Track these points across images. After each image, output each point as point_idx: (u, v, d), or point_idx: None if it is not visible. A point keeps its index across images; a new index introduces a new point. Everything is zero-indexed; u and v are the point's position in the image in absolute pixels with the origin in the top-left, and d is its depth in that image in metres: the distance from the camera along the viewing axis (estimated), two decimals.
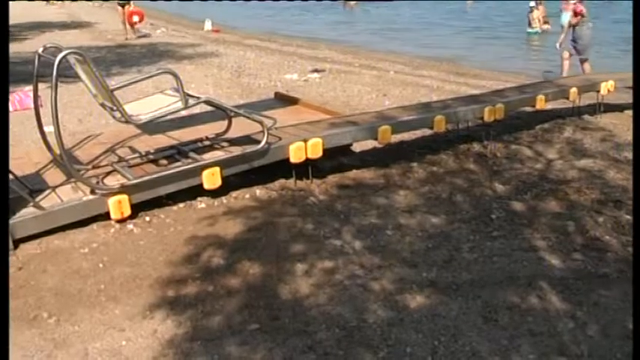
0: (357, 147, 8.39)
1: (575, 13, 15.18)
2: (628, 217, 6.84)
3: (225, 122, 7.23)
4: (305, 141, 6.97)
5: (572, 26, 15.45)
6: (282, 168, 7.11)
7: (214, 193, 6.61)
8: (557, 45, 16.13)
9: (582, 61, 15.42)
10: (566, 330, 4.58)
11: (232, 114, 7.14)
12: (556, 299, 4.98)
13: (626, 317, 4.78)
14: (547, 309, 4.83)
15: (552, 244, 6.09)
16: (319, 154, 7.05)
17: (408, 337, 4.39)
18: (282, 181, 7.19)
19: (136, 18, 23.18)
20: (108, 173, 6.47)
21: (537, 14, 26.11)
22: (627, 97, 12.83)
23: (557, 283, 5.25)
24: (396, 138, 8.66)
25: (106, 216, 5.99)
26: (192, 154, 6.73)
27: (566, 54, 15.60)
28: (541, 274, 5.42)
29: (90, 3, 45.96)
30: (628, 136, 10.27)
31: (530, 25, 26.17)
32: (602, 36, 24.04)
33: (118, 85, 6.05)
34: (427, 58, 19.49)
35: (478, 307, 4.80)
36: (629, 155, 9.11)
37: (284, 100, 9.68)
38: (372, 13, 37.84)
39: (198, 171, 6.38)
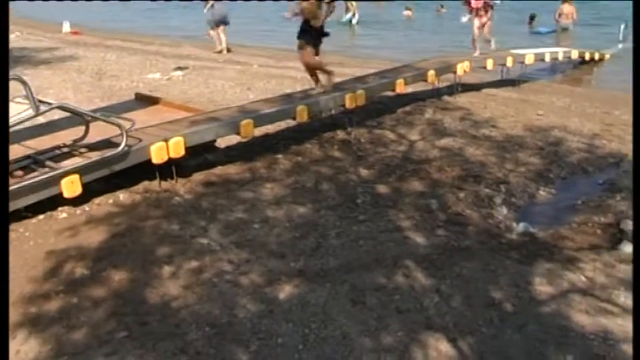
0: (222, 143, 8.34)
1: None
2: (487, 190, 7.16)
3: (84, 127, 7.00)
4: (166, 141, 6.85)
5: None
6: (146, 170, 6.95)
7: (75, 202, 6.39)
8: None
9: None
10: (432, 304, 4.74)
11: (89, 118, 6.93)
12: (421, 276, 5.14)
13: (487, 286, 5.01)
14: (413, 286, 4.98)
15: (416, 222, 6.29)
16: (181, 152, 6.96)
17: (278, 327, 4.42)
18: (146, 183, 7.04)
19: None
20: None
21: (355, 5, 26.70)
22: (482, 77, 13.42)
23: (421, 260, 5.42)
24: (260, 131, 8.67)
25: None
26: (49, 163, 6.48)
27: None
28: (406, 252, 5.59)
29: None
30: (485, 113, 10.74)
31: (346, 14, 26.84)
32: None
33: None
34: (290, 50, 19.51)
35: (346, 292, 4.88)
36: (487, 132, 9.53)
37: (145, 100, 9.47)
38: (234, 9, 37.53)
39: (56, 180, 6.14)
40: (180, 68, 15.36)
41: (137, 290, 4.93)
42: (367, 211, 6.50)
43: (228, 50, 19.03)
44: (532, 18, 23.28)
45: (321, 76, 9.63)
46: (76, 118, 7.08)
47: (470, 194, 7.05)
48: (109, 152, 6.57)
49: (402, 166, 7.88)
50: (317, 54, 9.23)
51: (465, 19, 14.05)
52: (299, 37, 9.17)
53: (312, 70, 9.50)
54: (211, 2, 18.43)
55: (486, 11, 13.49)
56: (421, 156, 8.33)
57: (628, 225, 6.14)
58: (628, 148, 8.87)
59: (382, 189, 7.14)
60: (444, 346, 4.22)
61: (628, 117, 10.58)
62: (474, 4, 13.47)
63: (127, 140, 6.59)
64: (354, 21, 26.44)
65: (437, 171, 7.75)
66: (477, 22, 13.52)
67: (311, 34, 9.00)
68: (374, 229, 6.07)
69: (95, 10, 35.53)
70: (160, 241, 5.75)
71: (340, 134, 9.21)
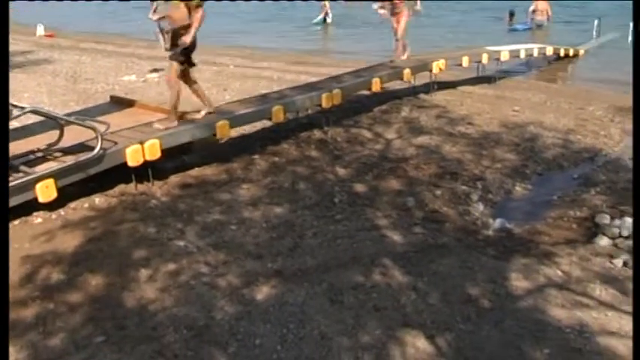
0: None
1: None
2: (464, 187, 7.20)
3: (58, 131, 6.95)
4: (142, 143, 6.81)
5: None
6: (122, 173, 6.91)
7: (51, 206, 6.34)
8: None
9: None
10: (409, 302, 4.75)
11: (63, 122, 6.87)
12: (398, 273, 5.16)
13: (464, 282, 5.04)
14: (390, 284, 5.00)
15: (394, 220, 6.31)
16: (157, 155, 6.92)
17: (256, 329, 4.41)
18: (122, 186, 7.00)
19: None
20: None
21: (327, 5, 26.67)
22: (458, 74, 13.46)
23: (399, 258, 5.44)
24: (237, 131, 8.66)
25: None
26: (23, 168, 6.41)
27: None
28: (383, 251, 5.60)
29: None
30: (461, 110, 10.79)
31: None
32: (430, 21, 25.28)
33: None
34: (267, 49, 19.56)
35: (324, 291, 4.89)
36: (463, 129, 9.57)
37: (120, 103, 9.38)
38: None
39: (31, 185, 6.08)
40: (156, 70, 15.26)
41: (114, 294, 4.90)
42: (344, 210, 6.51)
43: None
44: (512, 15, 23.44)
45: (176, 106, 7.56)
46: (51, 122, 7.03)
47: (446, 191, 7.09)
48: (84, 156, 6.52)
49: (379, 165, 7.90)
50: (183, 74, 7.51)
51: (375, 6, 12.45)
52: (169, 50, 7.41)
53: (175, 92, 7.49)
54: (155, 4, 18.04)
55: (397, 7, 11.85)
56: (398, 154, 8.36)
57: (603, 219, 6.20)
58: (602, 143, 8.98)
59: (359, 188, 7.15)
60: (422, 343, 4.24)
61: (602, 112, 10.72)
62: None
63: (102, 143, 6.54)
64: (328, 20, 26.42)
65: (414, 169, 7.78)
66: (395, 24, 12.06)
67: (179, 48, 7.28)
68: (351, 228, 6.08)
69: (69, 13, 35.22)
70: (136, 244, 5.72)
71: (317, 134, 9.21)
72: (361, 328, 4.41)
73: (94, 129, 6.61)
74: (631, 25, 19.14)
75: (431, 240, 5.89)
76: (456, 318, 4.54)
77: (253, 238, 5.86)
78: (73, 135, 6.93)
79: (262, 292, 4.87)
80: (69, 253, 5.58)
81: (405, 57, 12.29)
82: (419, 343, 4.25)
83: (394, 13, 11.95)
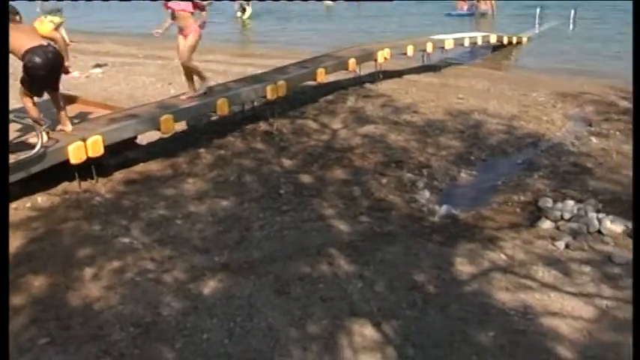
0: (144, 139, 8.18)
1: None
2: (409, 175, 7.25)
3: None
4: (84, 140, 6.70)
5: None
6: (65, 170, 6.79)
7: None
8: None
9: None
10: (356, 290, 4.78)
11: None
12: (345, 263, 5.18)
13: (410, 269, 5.08)
14: (337, 274, 5.02)
15: (340, 210, 6.33)
16: (100, 151, 6.81)
17: (203, 323, 4.39)
18: (65, 184, 6.87)
19: None
20: None
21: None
22: (404, 64, 13.55)
23: (345, 248, 5.46)
24: (182, 125, 8.58)
25: None
26: None
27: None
28: (330, 241, 5.62)
29: None
30: (406, 99, 10.86)
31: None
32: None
33: None
34: (212, 42, 19.40)
35: (270, 283, 4.89)
36: (408, 117, 9.64)
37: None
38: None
39: None
40: (99, 65, 15.05)
41: (58, 294, 4.82)
42: (290, 202, 6.51)
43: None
44: None
45: None
46: None
47: (392, 180, 7.13)
48: (24, 154, 6.37)
49: (325, 155, 7.91)
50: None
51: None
52: None
53: None
54: None
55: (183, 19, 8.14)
56: (344, 144, 8.38)
57: (545, 202, 6.31)
58: (545, 128, 9.15)
59: (305, 179, 7.16)
60: (369, 331, 4.27)
61: (544, 98, 10.91)
62: (172, 3, 8.13)
63: (43, 141, 6.40)
64: (245, 16, 26.42)
65: (359, 158, 7.81)
66: (181, 43, 8.24)
67: None
68: (297, 219, 6.08)
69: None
70: (80, 242, 5.63)
71: (262, 126, 9.19)
72: (308, 318, 4.43)
73: (34, 126, 6.48)
74: (572, 12, 19.71)
75: (377, 228, 5.92)
76: (402, 305, 4.58)
77: (199, 232, 5.83)
78: (13, 133, 6.80)
79: (209, 287, 4.85)
80: (11, 254, 5.42)
81: (195, 92, 8.65)
82: (366, 331, 4.27)
83: (180, 28, 8.28)
